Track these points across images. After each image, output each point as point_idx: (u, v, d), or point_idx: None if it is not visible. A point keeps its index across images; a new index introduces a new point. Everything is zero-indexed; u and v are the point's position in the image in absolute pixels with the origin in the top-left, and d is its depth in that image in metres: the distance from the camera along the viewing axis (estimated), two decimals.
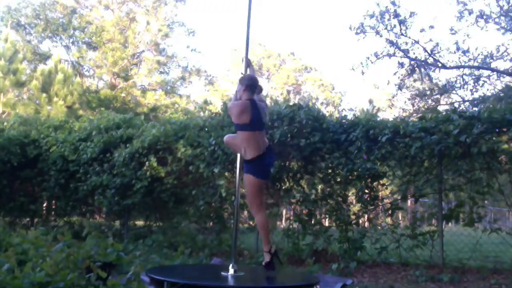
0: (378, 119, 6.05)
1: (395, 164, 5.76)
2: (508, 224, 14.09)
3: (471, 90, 14.27)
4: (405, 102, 17.26)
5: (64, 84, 16.33)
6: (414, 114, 14.63)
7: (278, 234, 6.41)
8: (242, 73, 4.24)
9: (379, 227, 6.00)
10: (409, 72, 14.31)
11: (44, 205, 8.78)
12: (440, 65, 13.63)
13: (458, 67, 13.89)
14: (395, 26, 13.13)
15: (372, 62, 13.93)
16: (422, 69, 14.72)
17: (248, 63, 4.32)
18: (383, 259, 5.65)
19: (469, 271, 5.13)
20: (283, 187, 6.42)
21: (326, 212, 6.23)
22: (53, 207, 8.84)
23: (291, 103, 6.44)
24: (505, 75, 13.99)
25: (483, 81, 14.12)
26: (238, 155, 4.25)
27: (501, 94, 13.06)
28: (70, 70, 17.82)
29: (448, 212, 5.43)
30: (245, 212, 7.26)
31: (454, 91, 15.17)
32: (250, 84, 3.96)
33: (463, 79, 14.19)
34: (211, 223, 7.14)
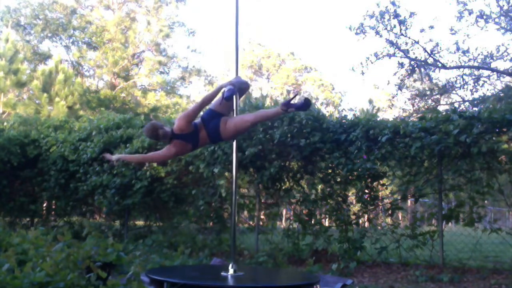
0: (378, 119, 6.05)
1: (395, 164, 5.76)
2: (508, 224, 14.09)
3: (471, 90, 14.24)
4: (405, 102, 17.24)
5: (64, 84, 16.34)
6: (414, 114, 14.61)
7: (278, 234, 6.41)
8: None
9: (379, 227, 6.01)
10: (409, 72, 14.28)
11: (44, 205, 8.78)
12: (440, 65, 13.61)
13: (458, 67, 13.87)
14: (395, 26, 13.11)
15: (372, 62, 13.90)
16: (422, 69, 14.70)
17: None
18: (383, 259, 5.66)
19: (469, 271, 5.13)
20: (283, 187, 6.42)
21: (326, 212, 6.24)
22: (53, 207, 8.84)
23: None
24: (505, 75, 13.97)
25: (483, 81, 14.09)
26: (234, 156, 4.22)
27: (501, 94, 13.03)
28: (70, 70, 17.83)
29: (448, 212, 5.43)
30: (245, 212, 7.27)
31: (454, 91, 15.14)
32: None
33: (463, 79, 14.16)
34: (211, 223, 7.15)
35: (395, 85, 15.07)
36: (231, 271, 3.89)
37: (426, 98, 15.96)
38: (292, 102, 3.80)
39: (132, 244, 6.51)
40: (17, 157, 7.99)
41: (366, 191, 5.87)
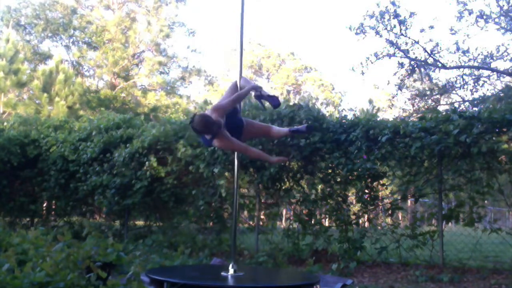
0: (378, 119, 6.04)
1: (395, 164, 5.76)
2: (508, 224, 14.09)
3: (471, 90, 14.25)
4: (405, 102, 17.25)
5: (65, 84, 16.34)
6: (414, 114, 14.61)
7: (278, 234, 6.41)
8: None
9: (379, 227, 6.01)
10: (409, 72, 14.29)
11: (44, 205, 8.78)
12: (440, 65, 13.62)
13: (458, 67, 13.88)
14: (395, 26, 13.13)
15: (372, 62, 13.91)
16: (422, 69, 14.71)
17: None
18: (383, 259, 5.65)
19: (469, 271, 5.13)
20: (283, 187, 6.42)
21: (326, 212, 6.23)
22: (53, 207, 8.84)
23: (291, 103, 6.44)
24: (505, 75, 13.98)
25: (483, 81, 14.10)
26: (236, 156, 4.23)
27: (501, 94, 13.03)
28: (71, 70, 17.82)
29: (448, 212, 5.43)
30: (245, 212, 7.27)
31: (454, 91, 15.15)
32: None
33: (463, 79, 14.17)
34: (211, 223, 7.15)
35: (395, 85, 15.08)
36: (231, 271, 3.89)
37: (426, 98, 15.97)
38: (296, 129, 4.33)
39: (132, 244, 6.51)
40: (17, 157, 7.99)
41: (366, 191, 5.87)
